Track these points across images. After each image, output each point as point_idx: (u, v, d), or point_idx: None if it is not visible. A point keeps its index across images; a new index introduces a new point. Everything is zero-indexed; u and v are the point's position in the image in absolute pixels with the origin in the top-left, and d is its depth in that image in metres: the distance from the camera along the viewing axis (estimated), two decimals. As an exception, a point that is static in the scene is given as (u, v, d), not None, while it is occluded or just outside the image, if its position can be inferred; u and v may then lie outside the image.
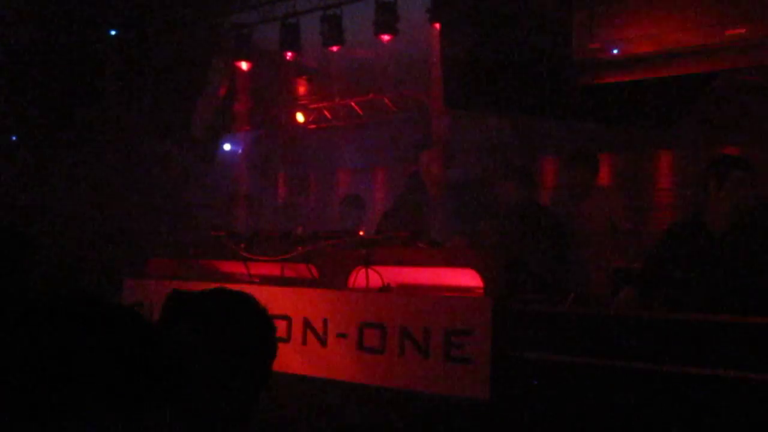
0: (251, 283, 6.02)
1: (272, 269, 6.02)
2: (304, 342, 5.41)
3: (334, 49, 7.78)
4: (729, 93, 8.47)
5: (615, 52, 5.08)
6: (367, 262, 5.44)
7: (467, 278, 5.15)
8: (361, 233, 6.01)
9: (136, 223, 7.68)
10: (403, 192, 6.62)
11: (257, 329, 1.94)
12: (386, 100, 10.79)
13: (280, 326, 5.49)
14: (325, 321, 5.34)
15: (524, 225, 5.81)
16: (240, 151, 12.08)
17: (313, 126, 11.72)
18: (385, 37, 7.30)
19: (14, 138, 8.31)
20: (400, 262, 5.45)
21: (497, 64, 5.30)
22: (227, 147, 11.69)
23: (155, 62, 7.85)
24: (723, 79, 7.70)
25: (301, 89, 11.45)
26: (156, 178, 8.33)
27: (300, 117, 11.65)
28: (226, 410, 1.86)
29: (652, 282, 5.23)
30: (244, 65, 8.54)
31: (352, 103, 11.22)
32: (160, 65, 7.86)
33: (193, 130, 8.63)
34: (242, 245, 6.18)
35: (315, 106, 11.61)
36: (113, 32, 7.85)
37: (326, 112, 11.59)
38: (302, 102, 11.66)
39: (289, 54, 8.11)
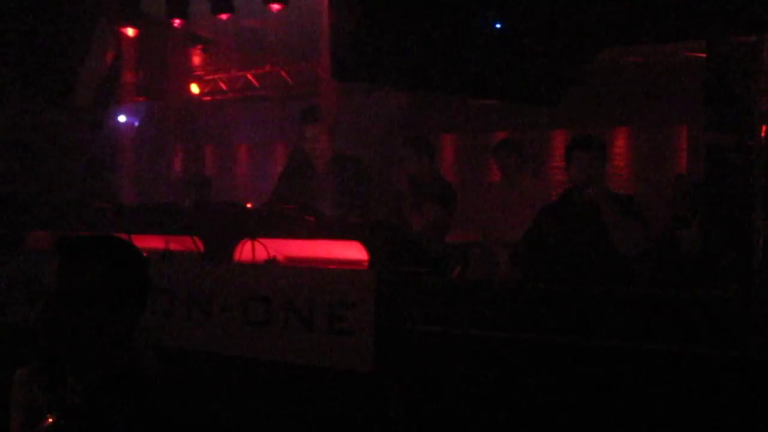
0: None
1: (156, 242, 5.87)
2: (189, 316, 5.29)
3: (224, 17, 7.57)
4: (614, 72, 8.65)
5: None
6: (253, 235, 5.36)
7: (354, 251, 5.13)
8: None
9: (19, 195, 7.37)
10: (286, 167, 6.56)
11: (135, 266, 2.29)
12: (283, 73, 10.62)
13: (164, 300, 5.37)
14: (209, 294, 5.23)
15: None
16: (136, 123, 11.73)
17: (208, 98, 11.46)
18: (276, 6, 7.14)
19: None
20: (287, 235, 5.38)
21: (386, 35, 5.23)
22: (122, 119, 11.34)
23: (34, 24, 7.47)
24: (606, 59, 7.84)
25: (196, 60, 11.16)
26: (39, 147, 7.99)
27: (195, 88, 11.37)
28: (111, 334, 2.22)
29: (530, 256, 5.37)
30: (130, 31, 8.22)
31: (249, 75, 11.00)
32: (39, 28, 7.49)
33: (78, 98, 8.29)
34: (126, 218, 6.01)
35: (210, 77, 11.34)
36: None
37: (222, 84, 11.34)
38: (197, 73, 11.37)
39: (177, 21, 7.85)
